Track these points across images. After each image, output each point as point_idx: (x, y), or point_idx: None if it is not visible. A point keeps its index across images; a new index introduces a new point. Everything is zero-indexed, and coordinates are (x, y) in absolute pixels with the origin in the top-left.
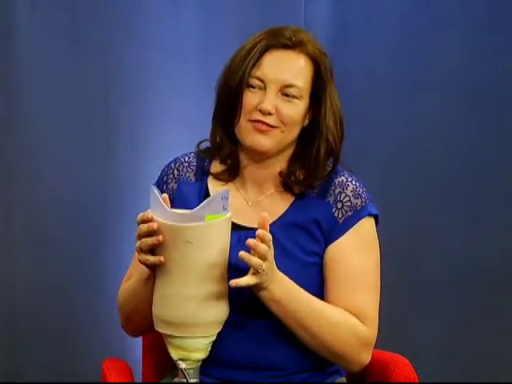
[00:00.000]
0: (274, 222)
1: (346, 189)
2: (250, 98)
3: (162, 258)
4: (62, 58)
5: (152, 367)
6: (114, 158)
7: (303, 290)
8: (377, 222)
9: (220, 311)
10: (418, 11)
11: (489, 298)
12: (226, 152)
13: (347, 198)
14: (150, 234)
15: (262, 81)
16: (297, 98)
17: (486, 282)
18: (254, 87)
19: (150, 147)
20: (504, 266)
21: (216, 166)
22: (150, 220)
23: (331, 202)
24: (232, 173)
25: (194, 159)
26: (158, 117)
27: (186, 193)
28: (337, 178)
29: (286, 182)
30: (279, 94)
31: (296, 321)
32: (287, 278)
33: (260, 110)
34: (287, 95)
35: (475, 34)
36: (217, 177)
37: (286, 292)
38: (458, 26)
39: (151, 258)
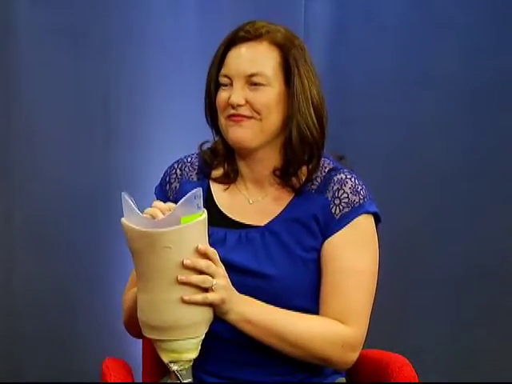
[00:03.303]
0: (275, 218)
1: (345, 185)
2: (222, 96)
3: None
4: (61, 58)
5: (152, 367)
6: (114, 157)
7: (272, 306)
8: (378, 221)
9: (205, 310)
10: (418, 11)
11: (489, 298)
12: (222, 155)
13: (345, 195)
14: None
15: (228, 77)
16: (264, 85)
17: (486, 282)
18: (225, 85)
19: (149, 147)
20: (504, 265)
21: (217, 171)
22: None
23: (329, 198)
24: (231, 176)
25: (196, 159)
26: (158, 117)
27: (188, 192)
28: (336, 175)
29: (281, 178)
30: (246, 85)
31: (275, 336)
32: (249, 297)
33: (231, 105)
34: (254, 84)
35: (475, 34)
36: (217, 180)
37: (256, 311)
38: (457, 26)
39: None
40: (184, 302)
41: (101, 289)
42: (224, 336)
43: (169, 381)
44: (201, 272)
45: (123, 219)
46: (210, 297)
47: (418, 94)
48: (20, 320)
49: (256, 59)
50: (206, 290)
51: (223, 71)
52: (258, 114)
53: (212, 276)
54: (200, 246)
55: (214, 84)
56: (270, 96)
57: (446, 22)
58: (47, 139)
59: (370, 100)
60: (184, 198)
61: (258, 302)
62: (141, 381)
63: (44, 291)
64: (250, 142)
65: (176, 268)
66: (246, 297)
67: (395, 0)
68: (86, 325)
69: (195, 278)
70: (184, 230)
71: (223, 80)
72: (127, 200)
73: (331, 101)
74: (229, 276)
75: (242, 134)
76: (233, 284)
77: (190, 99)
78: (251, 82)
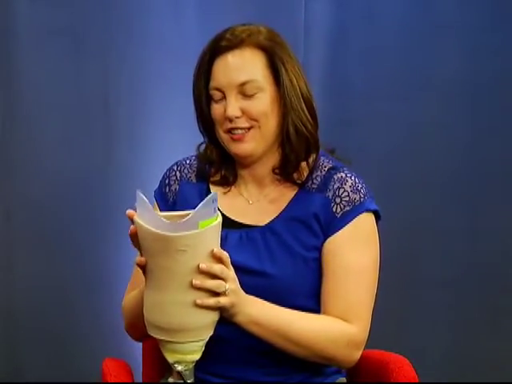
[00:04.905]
0: (276, 218)
1: (345, 184)
2: (217, 110)
3: (142, 259)
4: (61, 58)
5: (152, 367)
6: (114, 157)
7: (277, 306)
8: (378, 218)
9: (212, 314)
10: (418, 11)
11: (489, 298)
12: (217, 159)
13: (346, 193)
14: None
15: (219, 90)
16: (257, 92)
17: (486, 282)
18: (217, 99)
19: (149, 147)
20: (504, 265)
21: (215, 176)
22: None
23: (330, 196)
24: (229, 178)
25: (195, 161)
26: (157, 117)
27: (188, 193)
28: (336, 174)
29: (282, 175)
30: (239, 95)
31: (280, 336)
32: (256, 298)
33: (228, 119)
34: (247, 93)
35: (475, 34)
36: (216, 182)
37: (263, 312)
38: (457, 27)
39: (137, 258)
40: (197, 305)
41: (101, 289)
42: (225, 336)
43: (169, 379)
44: (213, 276)
45: (137, 219)
46: (222, 301)
47: (418, 94)
48: (20, 320)
49: (243, 67)
50: (216, 293)
51: (213, 84)
52: (256, 121)
53: (224, 280)
54: (215, 250)
55: (204, 97)
56: (265, 101)
57: (446, 22)
58: (47, 139)
59: (370, 100)
60: (203, 201)
61: (264, 301)
62: (141, 381)
63: (44, 291)
64: (255, 153)
65: (190, 272)
66: (252, 297)
67: (395, 0)
68: (86, 325)
69: (210, 283)
70: (201, 234)
71: (215, 94)
72: (143, 198)
73: (331, 101)
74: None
75: (246, 148)
76: None
77: (190, 99)
78: (244, 91)
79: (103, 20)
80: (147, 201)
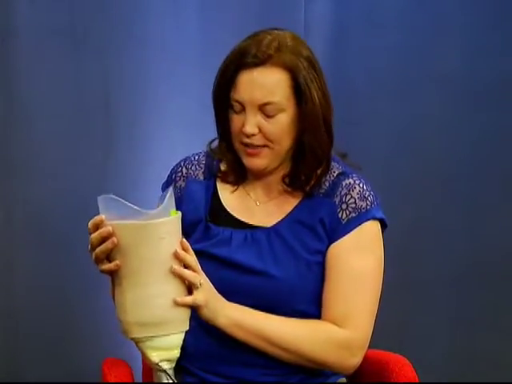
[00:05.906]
0: (281, 220)
1: (353, 191)
2: (235, 122)
3: (117, 262)
4: (61, 58)
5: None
6: (114, 158)
7: (258, 311)
8: (385, 227)
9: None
10: (418, 11)
11: (489, 298)
12: (230, 160)
13: (352, 200)
14: (104, 240)
15: (240, 103)
16: (277, 113)
17: (487, 282)
18: (237, 110)
19: (149, 147)
20: (505, 265)
21: (225, 168)
22: (100, 224)
23: (337, 202)
24: (239, 177)
25: (204, 158)
26: (158, 117)
27: (194, 191)
28: (345, 180)
29: (290, 185)
30: (259, 112)
31: (264, 340)
32: (234, 304)
33: (245, 134)
34: (267, 114)
35: (475, 33)
36: (225, 179)
37: (243, 314)
38: (457, 25)
39: (107, 266)
40: (176, 304)
41: (101, 288)
42: (225, 336)
43: (156, 380)
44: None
45: (113, 222)
46: (198, 297)
47: (419, 93)
48: (20, 320)
49: (268, 87)
50: (190, 288)
51: (235, 96)
52: (271, 142)
53: (197, 273)
54: (184, 240)
55: (223, 102)
56: (284, 122)
57: (447, 21)
58: (47, 139)
59: (370, 100)
60: (169, 192)
61: (243, 306)
62: (141, 381)
63: (44, 291)
64: (268, 168)
65: (168, 260)
66: (228, 302)
67: (395, 0)
68: (85, 325)
69: (187, 272)
70: (177, 220)
71: (236, 105)
72: (114, 198)
73: (332, 100)
74: (234, 275)
75: (259, 164)
76: (238, 283)
77: (190, 99)
78: (264, 110)
79: (103, 20)
80: (115, 197)
